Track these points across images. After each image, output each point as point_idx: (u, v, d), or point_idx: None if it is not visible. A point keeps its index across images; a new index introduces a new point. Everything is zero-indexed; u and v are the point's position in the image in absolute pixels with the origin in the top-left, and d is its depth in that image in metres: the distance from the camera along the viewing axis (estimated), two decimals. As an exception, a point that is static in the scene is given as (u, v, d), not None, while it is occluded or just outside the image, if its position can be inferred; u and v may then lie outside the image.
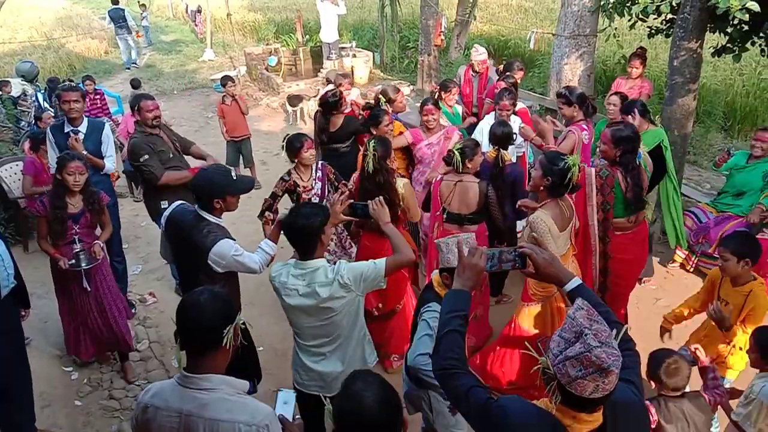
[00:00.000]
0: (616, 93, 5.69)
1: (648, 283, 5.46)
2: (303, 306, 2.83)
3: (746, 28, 5.50)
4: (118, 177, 6.10)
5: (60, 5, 24.23)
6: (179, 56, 17.20)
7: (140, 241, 6.78)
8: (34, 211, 4.41)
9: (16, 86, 9.40)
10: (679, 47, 5.79)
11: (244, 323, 2.12)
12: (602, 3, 6.84)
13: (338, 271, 2.80)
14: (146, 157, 4.80)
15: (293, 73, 13.63)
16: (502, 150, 4.74)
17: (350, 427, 1.82)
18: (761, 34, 5.48)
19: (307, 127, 10.34)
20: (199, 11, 18.51)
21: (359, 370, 2.09)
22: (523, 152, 5.73)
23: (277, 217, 3.43)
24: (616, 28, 7.09)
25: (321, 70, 12.73)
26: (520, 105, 6.08)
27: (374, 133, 4.98)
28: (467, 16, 12.63)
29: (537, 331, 3.83)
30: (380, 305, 4.35)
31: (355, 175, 4.49)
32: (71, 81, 9.38)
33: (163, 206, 4.39)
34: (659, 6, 5.68)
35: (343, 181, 4.75)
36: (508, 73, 6.56)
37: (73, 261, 4.16)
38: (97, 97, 9.25)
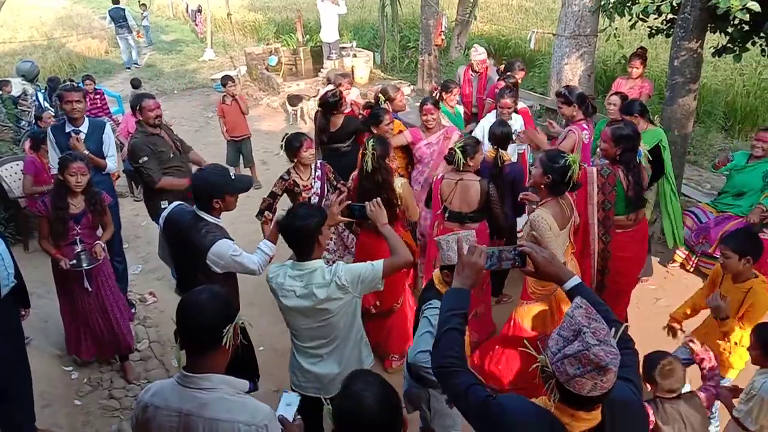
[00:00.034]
0: (616, 93, 5.70)
1: (647, 282, 5.46)
2: (300, 307, 2.82)
3: (747, 28, 5.50)
4: (119, 177, 6.10)
5: (60, 5, 24.23)
6: (179, 56, 17.20)
7: (140, 241, 6.78)
8: (35, 211, 4.40)
9: (17, 86, 9.40)
10: (679, 47, 5.78)
11: (242, 323, 2.12)
12: (603, 3, 6.84)
13: (336, 273, 2.79)
14: (145, 159, 4.80)
15: (293, 73, 13.63)
16: (501, 150, 4.74)
17: (350, 427, 1.82)
18: (762, 34, 5.47)
19: (308, 127, 10.33)
20: (200, 11, 18.50)
21: (359, 369, 2.09)
22: (524, 150, 5.74)
23: (275, 217, 3.43)
24: (616, 28, 7.09)
25: (321, 69, 12.73)
26: (520, 104, 6.09)
27: (375, 132, 4.99)
28: (468, 15, 12.63)
29: (536, 330, 3.83)
30: (378, 303, 4.34)
31: (354, 174, 4.49)
32: (72, 81, 9.38)
33: (163, 206, 4.39)
34: (660, 6, 5.69)
35: (342, 182, 4.76)
36: (509, 73, 6.57)
37: (74, 261, 4.16)
38: (97, 96, 9.25)
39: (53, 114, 7.65)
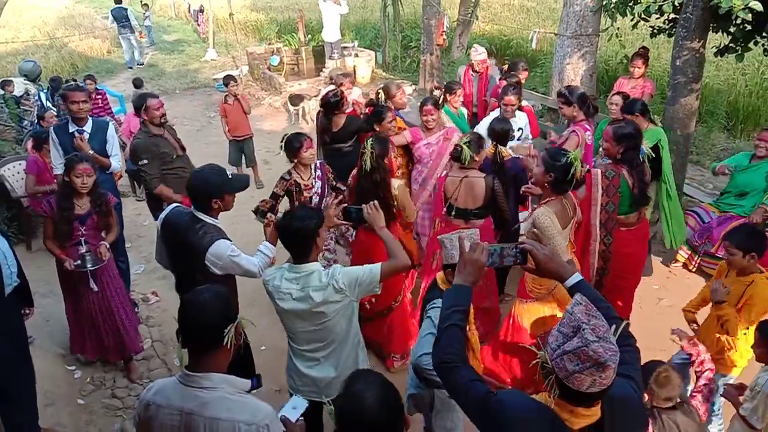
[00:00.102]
0: (618, 93, 5.70)
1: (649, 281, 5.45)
2: (296, 310, 2.81)
3: (749, 27, 5.50)
4: (121, 176, 6.12)
5: (63, 4, 24.27)
6: (181, 56, 17.22)
7: (143, 240, 6.79)
8: (39, 211, 4.40)
9: (19, 85, 9.41)
10: (681, 47, 5.78)
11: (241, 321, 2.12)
12: (604, 3, 6.84)
13: (333, 276, 2.77)
14: (145, 162, 4.82)
15: (295, 73, 13.64)
16: (500, 146, 4.74)
17: (351, 427, 1.83)
18: (764, 34, 5.48)
19: (309, 127, 10.34)
20: (202, 11, 18.51)
21: (361, 369, 2.09)
22: (528, 146, 5.77)
23: (274, 221, 3.42)
24: (618, 28, 7.09)
25: (323, 69, 12.74)
26: (524, 103, 6.09)
27: (377, 129, 5.00)
28: (469, 15, 12.62)
29: (536, 329, 3.82)
30: (373, 300, 4.32)
31: (353, 173, 4.49)
32: (75, 80, 9.39)
33: (165, 206, 4.40)
34: (662, 6, 5.68)
35: (340, 183, 4.77)
36: (512, 72, 6.58)
37: (79, 262, 4.16)
38: (99, 96, 9.26)
39: (55, 114, 7.66)
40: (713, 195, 6.51)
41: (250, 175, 8.19)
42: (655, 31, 6.82)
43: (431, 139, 5.24)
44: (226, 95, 7.92)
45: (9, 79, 9.68)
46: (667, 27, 6.63)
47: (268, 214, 4.46)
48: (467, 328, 2.46)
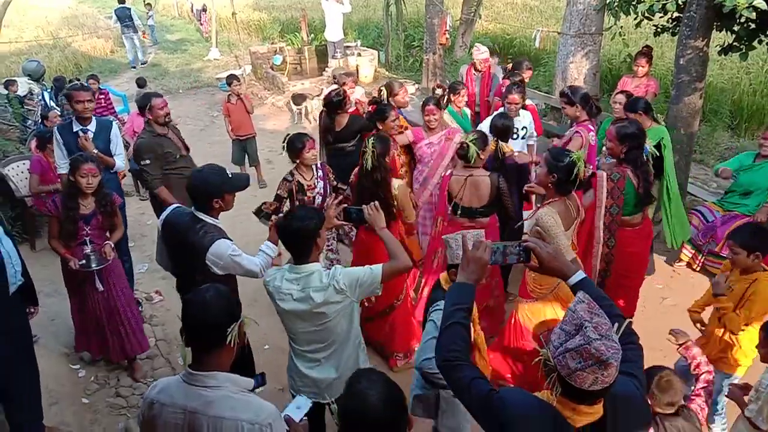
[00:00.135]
0: (621, 92, 5.69)
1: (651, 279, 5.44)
2: (297, 311, 2.80)
3: (753, 26, 5.48)
4: (124, 176, 6.13)
5: (66, 4, 24.32)
6: (184, 55, 17.24)
7: (146, 240, 6.80)
8: (44, 211, 4.40)
9: (23, 85, 9.44)
10: (685, 46, 5.77)
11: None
12: (608, 1, 6.82)
13: (334, 276, 2.76)
14: (148, 162, 4.83)
15: (298, 72, 13.63)
16: (501, 142, 4.74)
17: (355, 426, 1.83)
18: (768, 32, 5.46)
19: (312, 126, 10.34)
20: (204, 10, 18.54)
21: (364, 368, 2.09)
22: (532, 144, 5.78)
23: (274, 221, 3.42)
24: (621, 27, 7.07)
25: (326, 69, 12.73)
26: (527, 102, 6.09)
27: (380, 128, 5.00)
28: (472, 14, 12.60)
29: (538, 329, 3.81)
30: (373, 299, 4.31)
31: (355, 171, 4.50)
32: (78, 80, 9.41)
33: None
34: (665, 4, 5.67)
35: (340, 184, 4.77)
36: (516, 72, 6.58)
37: (84, 261, 4.16)
38: (101, 96, 9.27)
39: (59, 113, 7.68)
40: (717, 194, 6.49)
41: (253, 175, 8.23)
42: (658, 29, 6.80)
43: (433, 139, 5.24)
44: (229, 94, 7.93)
45: (13, 78, 9.72)
46: (670, 26, 6.61)
47: (272, 217, 4.47)
48: (473, 329, 2.46)
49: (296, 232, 2.75)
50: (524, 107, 5.78)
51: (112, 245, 4.30)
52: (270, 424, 2.00)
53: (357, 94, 7.04)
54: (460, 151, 4.30)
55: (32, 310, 3.83)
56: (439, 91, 6.61)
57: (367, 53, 13.16)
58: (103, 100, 9.26)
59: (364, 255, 4.38)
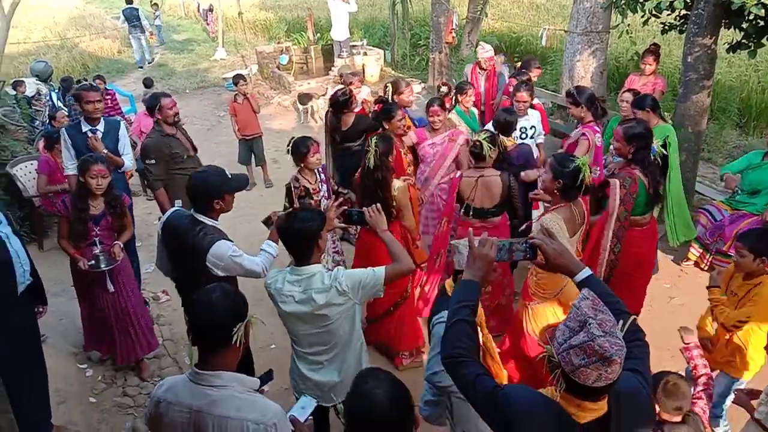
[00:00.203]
0: (629, 90, 5.65)
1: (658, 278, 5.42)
2: (299, 313, 2.78)
3: (762, 23, 5.43)
4: (132, 176, 6.15)
5: (73, 5, 24.43)
6: (191, 55, 17.30)
7: (153, 239, 6.73)
8: (54, 211, 4.41)
9: (31, 86, 9.51)
10: (693, 43, 5.73)
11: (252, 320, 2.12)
12: (615, -1, 6.80)
13: (336, 278, 2.74)
14: (153, 162, 4.85)
15: (304, 72, 13.66)
16: (502, 136, 4.72)
17: (361, 426, 1.83)
18: (777, 30, 5.42)
19: (318, 125, 10.36)
20: (211, 10, 18.59)
21: (370, 367, 2.09)
22: (540, 143, 5.76)
23: (276, 217, 3.40)
24: (629, 25, 7.04)
25: (332, 68, 12.75)
26: (535, 101, 6.07)
27: (387, 127, 4.99)
28: (478, 13, 12.57)
29: (539, 331, 3.79)
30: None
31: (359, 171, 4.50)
32: (85, 80, 9.46)
33: (177, 205, 4.41)
34: (673, 2, 5.64)
35: (341, 188, 4.75)
36: (523, 70, 6.56)
37: (93, 262, 4.17)
38: (108, 96, 9.30)
39: (67, 114, 7.72)
40: (725, 193, 6.45)
41: (259, 174, 8.25)
42: (666, 27, 6.76)
43: (436, 140, 5.24)
44: (236, 94, 7.95)
45: (21, 79, 9.79)
46: (678, 23, 6.57)
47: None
48: (480, 332, 2.45)
49: (297, 233, 2.73)
50: (532, 106, 5.77)
51: (122, 245, 4.31)
52: (275, 424, 2.01)
53: (363, 94, 7.04)
54: (474, 150, 4.28)
55: (41, 309, 3.85)
56: (444, 89, 6.61)
57: (373, 52, 13.16)
58: (109, 101, 9.28)
59: (365, 255, 4.38)
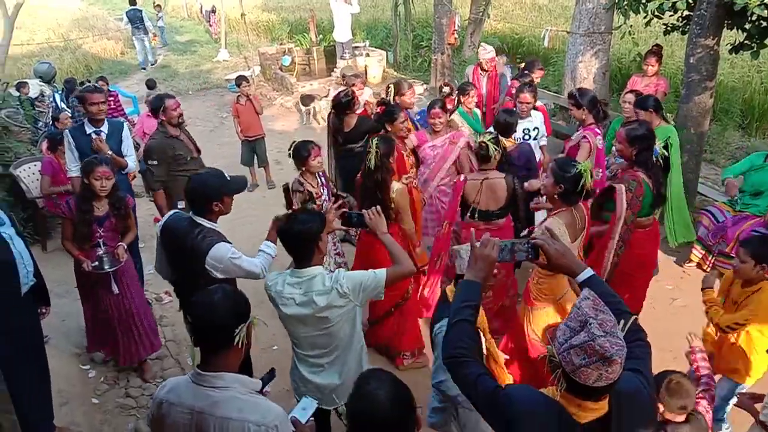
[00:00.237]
0: (631, 91, 5.66)
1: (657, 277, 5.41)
2: (299, 315, 2.77)
3: (765, 24, 5.43)
4: (134, 177, 6.16)
5: (76, 6, 24.50)
6: (194, 56, 17.33)
7: (156, 240, 6.82)
8: (58, 212, 4.42)
9: (34, 87, 9.52)
10: (695, 44, 5.73)
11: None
12: (617, 0, 6.79)
13: (337, 280, 2.74)
14: (155, 162, 4.87)
15: (307, 73, 13.66)
16: (502, 137, 4.73)
17: (363, 427, 1.83)
18: (780, 30, 5.41)
19: (321, 127, 10.36)
20: (214, 11, 18.63)
21: (372, 368, 2.09)
22: (544, 145, 5.76)
23: (273, 217, 3.40)
24: (631, 26, 7.04)
25: (334, 69, 12.76)
26: (538, 102, 6.08)
27: (389, 129, 4.99)
28: (481, 14, 12.57)
29: (540, 334, 3.77)
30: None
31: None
32: (89, 81, 9.48)
33: (180, 206, 4.42)
34: (675, 2, 5.64)
35: (340, 193, 4.75)
36: (526, 72, 6.56)
37: (96, 263, 4.17)
38: (111, 98, 9.32)
39: (70, 115, 7.73)
40: (727, 195, 6.43)
41: (262, 176, 8.26)
42: (668, 28, 6.76)
43: (437, 142, 5.25)
44: (239, 95, 7.95)
45: (24, 80, 9.80)
46: (680, 24, 6.57)
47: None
48: (483, 337, 2.45)
49: (297, 235, 2.72)
50: (535, 108, 5.76)
51: (125, 247, 4.31)
52: (276, 426, 2.01)
53: (365, 95, 7.04)
54: (480, 152, 4.27)
55: (44, 310, 3.84)
56: (446, 90, 6.61)
57: (376, 53, 13.17)
58: (112, 102, 9.30)
59: (365, 256, 4.39)
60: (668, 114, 5.96)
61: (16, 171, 6.44)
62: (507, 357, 3.50)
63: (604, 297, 1.83)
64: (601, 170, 4.92)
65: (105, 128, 4.99)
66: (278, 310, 2.84)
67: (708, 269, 5.51)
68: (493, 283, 4.36)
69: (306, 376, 2.98)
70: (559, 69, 10.48)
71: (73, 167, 4.90)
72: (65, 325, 5.00)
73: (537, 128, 5.70)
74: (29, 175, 6.54)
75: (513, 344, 4.01)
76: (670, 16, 6.42)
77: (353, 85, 6.41)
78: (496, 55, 7.47)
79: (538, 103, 6.02)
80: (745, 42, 5.82)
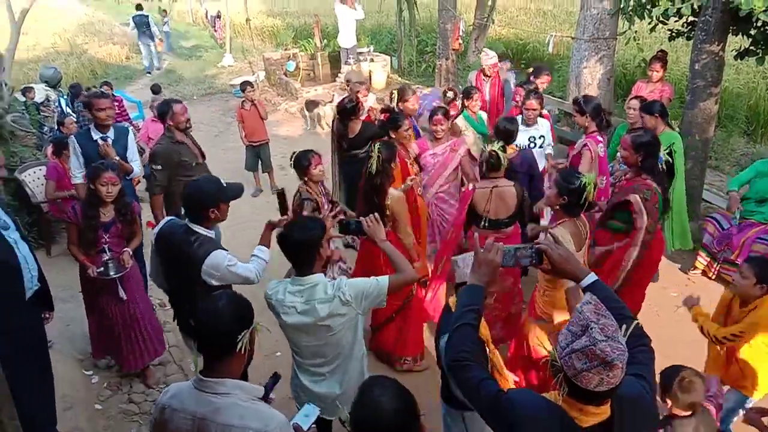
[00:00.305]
0: (636, 97, 5.64)
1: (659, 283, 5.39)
2: (301, 324, 2.74)
3: (770, 30, 5.42)
4: (139, 182, 6.17)
5: (82, 12, 24.62)
6: (199, 62, 17.40)
7: (151, 248, 6.82)
8: (63, 217, 4.41)
9: (40, 92, 9.57)
10: (700, 50, 5.72)
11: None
12: (622, 6, 6.79)
13: (339, 287, 2.71)
14: (159, 168, 4.86)
15: (311, 78, 13.70)
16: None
17: (367, 433, 1.82)
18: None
19: (325, 132, 10.37)
20: (219, 17, 18.71)
21: (375, 375, 2.09)
22: (549, 154, 5.76)
23: (267, 221, 3.39)
24: (636, 31, 7.03)
25: (339, 75, 12.79)
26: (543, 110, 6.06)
27: (393, 136, 4.99)
28: (485, 19, 12.60)
29: (547, 350, 3.73)
30: None
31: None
32: (95, 87, 9.52)
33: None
34: (680, 9, 5.63)
35: (334, 199, 4.75)
36: (532, 79, 6.56)
37: (102, 269, 4.16)
38: (115, 103, 9.35)
39: (75, 120, 7.76)
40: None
41: (266, 181, 8.26)
42: (673, 34, 6.75)
43: (438, 150, 5.25)
44: (243, 101, 7.96)
45: (30, 85, 9.86)
46: (685, 30, 6.56)
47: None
48: (488, 348, 2.45)
49: (298, 242, 2.70)
50: (541, 115, 5.74)
51: (131, 252, 4.31)
52: None
53: (369, 102, 7.05)
54: (491, 161, 4.24)
55: (47, 315, 3.84)
56: (450, 95, 6.61)
57: (380, 59, 13.20)
58: (116, 107, 9.34)
59: (366, 261, 4.38)
60: (673, 120, 5.95)
61: (21, 175, 6.47)
62: (516, 379, 3.50)
63: (607, 302, 1.83)
64: (605, 177, 4.91)
65: (111, 134, 5.00)
66: (279, 318, 2.81)
67: (713, 277, 5.49)
68: (501, 291, 4.35)
69: (306, 386, 2.96)
70: (564, 75, 10.48)
71: (77, 174, 4.89)
72: (69, 330, 5.00)
73: (543, 136, 5.65)
74: (34, 179, 6.56)
75: (518, 352, 3.99)
76: (675, 21, 6.41)
77: (358, 91, 6.42)
78: (500, 61, 7.46)
79: (543, 111, 6.01)
80: (751, 48, 5.80)
